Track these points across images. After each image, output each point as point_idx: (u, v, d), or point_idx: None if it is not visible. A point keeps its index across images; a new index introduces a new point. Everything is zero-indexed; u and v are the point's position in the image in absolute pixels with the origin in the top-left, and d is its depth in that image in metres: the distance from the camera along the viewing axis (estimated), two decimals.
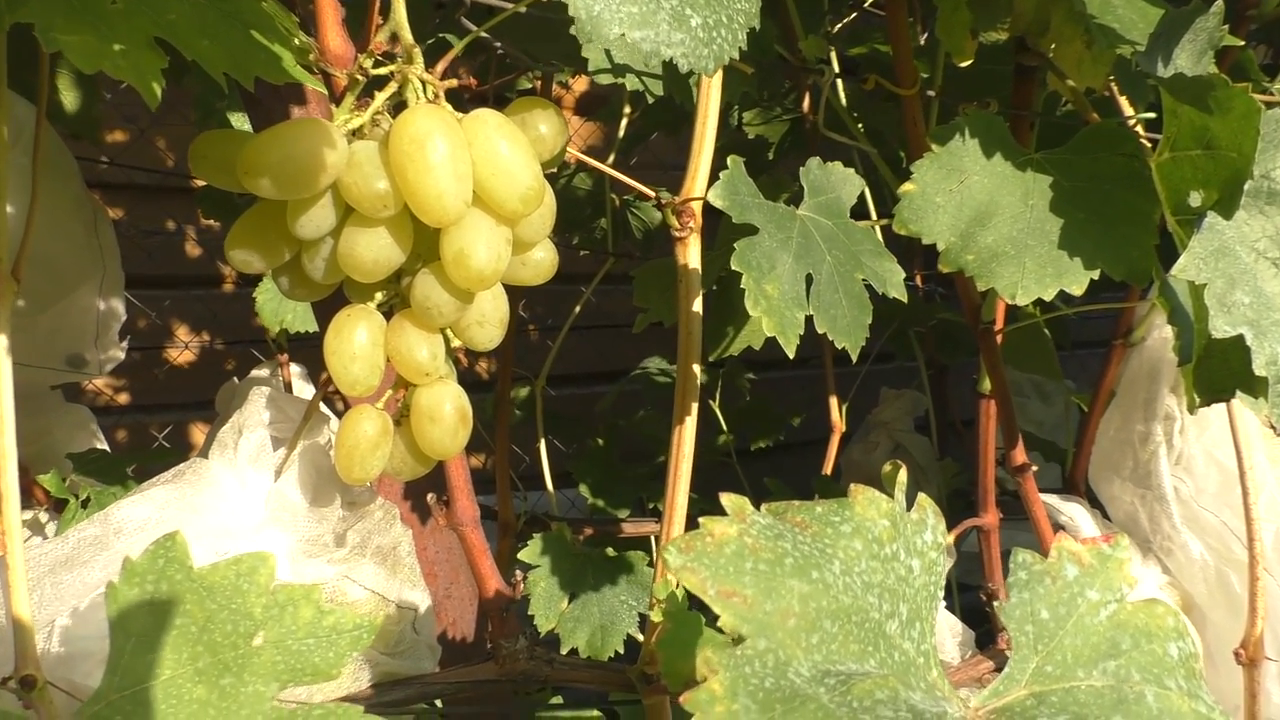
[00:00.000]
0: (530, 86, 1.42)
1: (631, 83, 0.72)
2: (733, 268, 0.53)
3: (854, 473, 1.89)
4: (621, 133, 1.36)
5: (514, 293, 0.64)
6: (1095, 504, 1.05)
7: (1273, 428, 0.59)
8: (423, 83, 0.52)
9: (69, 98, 1.20)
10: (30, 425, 1.05)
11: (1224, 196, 0.56)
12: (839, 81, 1.05)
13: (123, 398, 2.01)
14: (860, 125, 1.13)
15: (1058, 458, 1.44)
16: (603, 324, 2.12)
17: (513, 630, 0.67)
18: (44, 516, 0.79)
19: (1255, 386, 0.59)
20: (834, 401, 1.46)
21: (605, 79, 0.71)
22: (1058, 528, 1.04)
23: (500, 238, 0.53)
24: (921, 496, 0.43)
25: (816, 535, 0.39)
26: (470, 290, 0.53)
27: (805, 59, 0.82)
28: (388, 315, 0.57)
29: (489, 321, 0.57)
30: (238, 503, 0.60)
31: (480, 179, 0.51)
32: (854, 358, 0.55)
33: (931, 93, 0.85)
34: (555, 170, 1.87)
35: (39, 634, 0.55)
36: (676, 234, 0.68)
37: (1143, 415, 0.98)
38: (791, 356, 0.52)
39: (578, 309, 1.44)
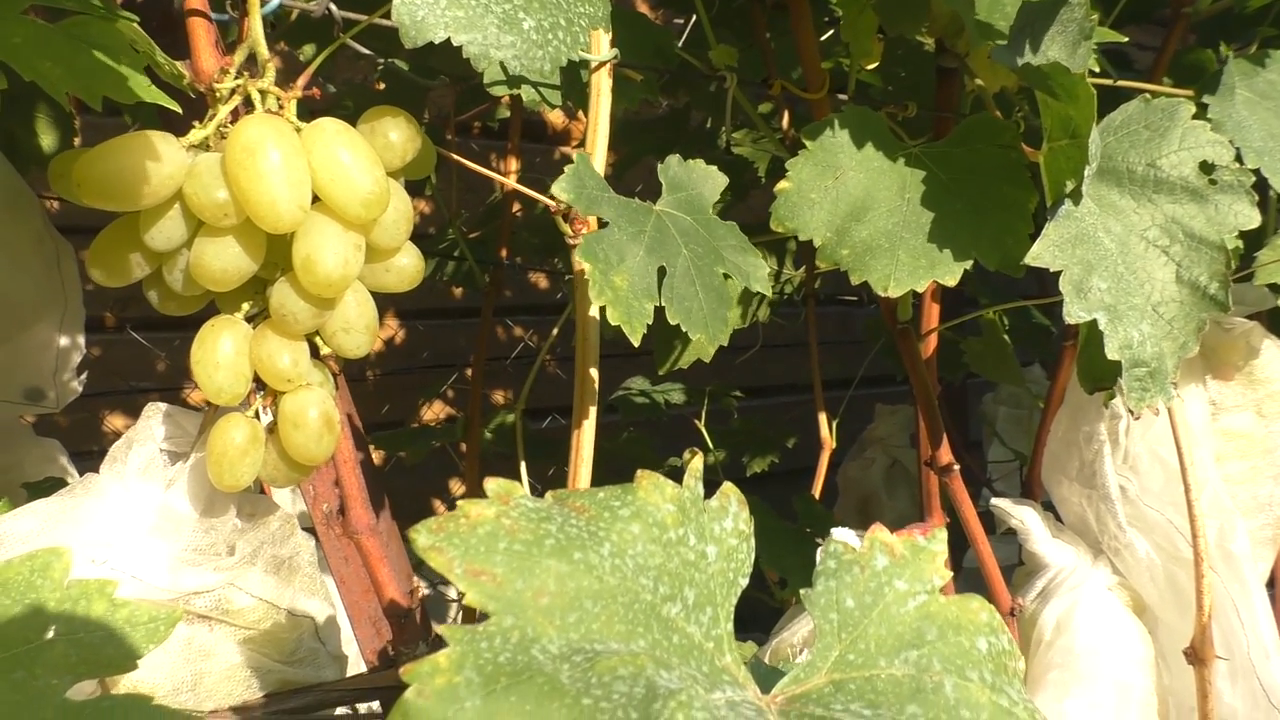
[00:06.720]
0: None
1: (528, 94, 0.72)
2: (577, 259, 0.53)
3: (850, 490, 1.88)
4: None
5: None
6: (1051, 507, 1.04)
7: (1130, 412, 0.58)
8: (264, 94, 0.53)
9: (46, 140, 1.23)
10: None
11: (1077, 185, 0.56)
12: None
13: None
14: None
15: None
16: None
17: (413, 637, 0.68)
18: None
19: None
20: (823, 418, 1.44)
21: (501, 90, 0.71)
22: (1009, 531, 1.03)
23: (349, 243, 0.53)
24: (726, 485, 0.43)
25: (592, 519, 0.39)
26: (322, 296, 0.54)
27: (714, 67, 0.82)
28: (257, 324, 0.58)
29: (354, 328, 0.58)
30: (122, 514, 0.61)
31: (320, 185, 0.52)
32: (711, 350, 0.55)
33: (843, 96, 0.85)
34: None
35: None
36: (570, 240, 0.69)
37: (1089, 415, 0.97)
38: (636, 345, 0.52)
39: (555, 333, 1.45)
